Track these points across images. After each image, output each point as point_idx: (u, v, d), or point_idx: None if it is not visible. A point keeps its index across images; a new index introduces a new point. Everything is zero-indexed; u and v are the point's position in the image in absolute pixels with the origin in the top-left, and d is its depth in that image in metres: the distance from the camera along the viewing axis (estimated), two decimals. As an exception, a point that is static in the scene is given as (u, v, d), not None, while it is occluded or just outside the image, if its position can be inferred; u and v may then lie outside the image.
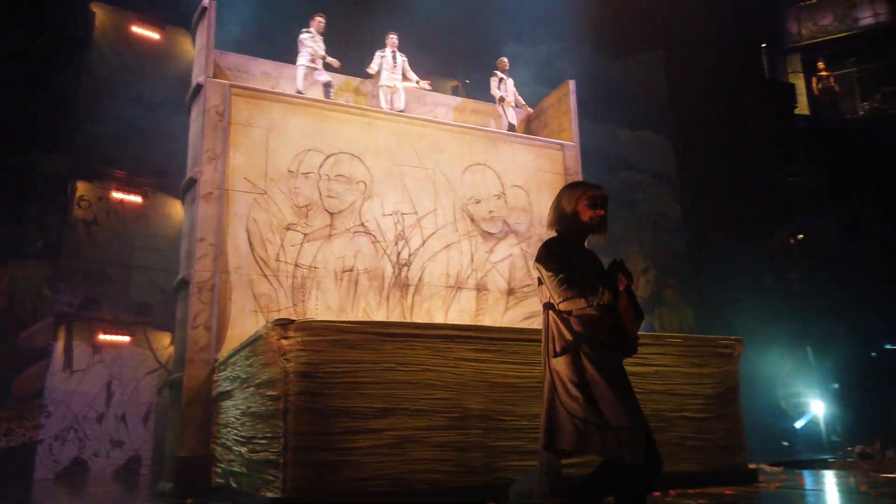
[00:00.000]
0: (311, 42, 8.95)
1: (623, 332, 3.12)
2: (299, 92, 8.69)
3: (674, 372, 6.18)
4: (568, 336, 3.10)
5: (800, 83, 16.01)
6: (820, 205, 14.01)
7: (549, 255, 3.22)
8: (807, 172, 14.34)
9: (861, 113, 15.65)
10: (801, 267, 14.05)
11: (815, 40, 16.25)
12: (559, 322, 3.16)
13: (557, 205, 3.38)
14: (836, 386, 12.32)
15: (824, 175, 14.04)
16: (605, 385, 2.99)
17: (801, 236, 14.18)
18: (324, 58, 8.99)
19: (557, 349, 3.13)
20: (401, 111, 9.22)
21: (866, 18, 16.02)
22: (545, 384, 3.19)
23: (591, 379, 3.03)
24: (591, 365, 3.04)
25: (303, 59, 8.90)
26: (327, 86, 8.90)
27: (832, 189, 13.89)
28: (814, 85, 15.81)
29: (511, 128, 9.88)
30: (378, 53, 9.46)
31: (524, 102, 10.24)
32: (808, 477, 7.55)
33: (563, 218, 3.34)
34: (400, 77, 9.43)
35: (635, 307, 3.18)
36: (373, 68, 9.42)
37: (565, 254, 3.23)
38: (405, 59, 9.51)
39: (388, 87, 9.31)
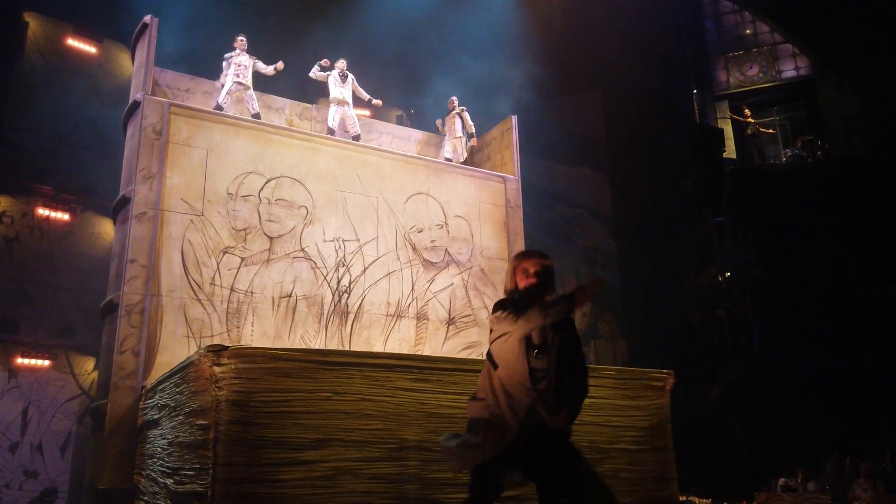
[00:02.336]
0: (237, 60, 8.85)
1: None
2: (219, 106, 8.55)
3: (608, 404, 6.29)
4: None
5: (727, 128, 16.84)
6: (745, 244, 14.67)
7: None
8: (733, 213, 15.01)
9: (783, 158, 16.56)
10: (727, 303, 14.60)
11: (742, 89, 17.18)
12: None
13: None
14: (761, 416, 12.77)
15: (749, 216, 14.73)
16: None
17: (727, 274, 14.77)
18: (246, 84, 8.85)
19: None
20: (356, 137, 9.22)
21: (789, 71, 17.07)
22: None
23: None
24: None
25: (230, 77, 8.77)
26: (256, 117, 8.76)
27: (756, 229, 14.58)
28: (741, 130, 16.66)
29: (448, 161, 10.02)
30: (326, 73, 9.48)
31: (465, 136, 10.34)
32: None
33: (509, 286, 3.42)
34: (350, 92, 9.42)
35: None
36: (319, 74, 9.38)
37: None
38: (353, 78, 9.55)
39: (338, 99, 9.28)
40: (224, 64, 8.93)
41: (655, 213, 14.65)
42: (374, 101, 9.94)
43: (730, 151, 16.40)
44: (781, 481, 10.38)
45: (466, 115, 10.31)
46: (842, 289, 13.54)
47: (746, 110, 16.71)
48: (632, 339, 14.80)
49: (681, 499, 6.75)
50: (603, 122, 16.18)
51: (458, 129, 10.23)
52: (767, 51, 17.21)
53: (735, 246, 14.78)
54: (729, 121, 16.96)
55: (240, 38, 9.03)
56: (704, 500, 8.83)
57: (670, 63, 16.25)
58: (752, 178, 15.31)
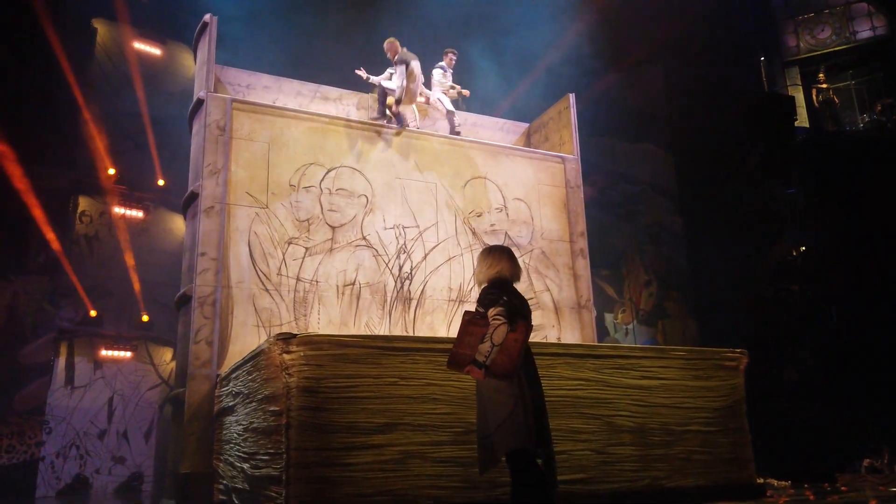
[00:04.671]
0: (442, 78, 9.47)
1: None
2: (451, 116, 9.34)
3: (679, 385, 6.14)
4: None
5: (799, 96, 16.02)
6: (820, 217, 13.99)
7: None
8: (806, 184, 14.33)
9: (861, 125, 15.68)
10: (801, 280, 14.00)
11: (814, 53, 16.30)
12: None
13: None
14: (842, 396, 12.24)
15: (824, 187, 14.03)
16: None
17: (802, 249, 14.14)
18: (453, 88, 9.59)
19: None
20: (418, 129, 9.23)
21: (864, 32, 16.09)
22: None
23: None
24: None
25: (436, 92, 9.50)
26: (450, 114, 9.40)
27: (832, 201, 13.88)
28: (813, 97, 15.86)
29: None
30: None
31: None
32: (816, 492, 7.48)
33: None
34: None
35: None
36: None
37: None
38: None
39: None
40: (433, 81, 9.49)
41: (723, 187, 14.12)
42: (426, 95, 9.78)
43: (802, 120, 15.64)
44: (866, 462, 9.95)
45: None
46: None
47: (819, 75, 15.89)
48: (701, 318, 14.41)
49: (758, 481, 6.54)
50: (664, 96, 15.70)
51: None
52: (840, 11, 16.26)
53: (809, 219, 14.12)
54: (800, 88, 16.16)
55: (450, 54, 9.76)
56: (783, 483, 8.54)
57: (734, 29, 15.58)
58: (827, 146, 14.56)
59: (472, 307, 8.73)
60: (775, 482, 8.44)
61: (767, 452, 8.80)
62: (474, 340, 3.55)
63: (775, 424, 11.63)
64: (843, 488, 8.00)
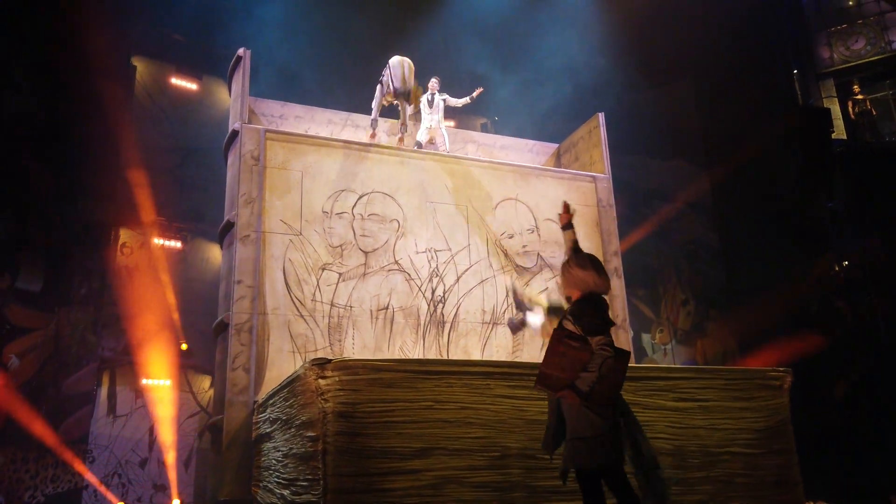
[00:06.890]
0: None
1: None
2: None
3: (717, 406, 5.99)
4: None
5: (835, 107, 15.73)
6: (862, 229, 13.63)
7: None
8: (847, 197, 13.99)
9: (901, 135, 15.30)
10: (847, 294, 13.61)
11: (849, 64, 16.02)
12: None
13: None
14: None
15: (865, 199, 13.69)
16: None
17: (845, 263, 13.77)
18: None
19: None
20: (447, 152, 9.28)
21: (900, 40, 15.76)
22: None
23: None
24: None
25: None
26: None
27: (874, 213, 13.52)
28: (850, 109, 15.56)
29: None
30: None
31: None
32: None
33: None
34: (439, 117, 9.47)
35: None
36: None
37: None
38: (445, 97, 9.57)
39: (427, 128, 9.41)
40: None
41: (760, 202, 13.87)
42: (476, 92, 9.62)
43: (839, 132, 15.33)
44: (922, 484, 9.52)
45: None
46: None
47: (855, 86, 15.60)
48: (742, 336, 14.07)
49: (807, 504, 6.32)
50: (696, 111, 15.56)
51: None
52: (874, 21, 15.97)
53: (851, 232, 13.75)
54: (835, 99, 15.86)
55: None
56: (834, 506, 8.23)
57: (766, 43, 15.41)
58: (866, 158, 14.23)
59: (506, 329, 8.64)
60: (825, 505, 8.13)
61: (817, 473, 8.50)
62: (566, 362, 3.37)
63: (824, 444, 11.25)
64: (898, 511, 7.68)
